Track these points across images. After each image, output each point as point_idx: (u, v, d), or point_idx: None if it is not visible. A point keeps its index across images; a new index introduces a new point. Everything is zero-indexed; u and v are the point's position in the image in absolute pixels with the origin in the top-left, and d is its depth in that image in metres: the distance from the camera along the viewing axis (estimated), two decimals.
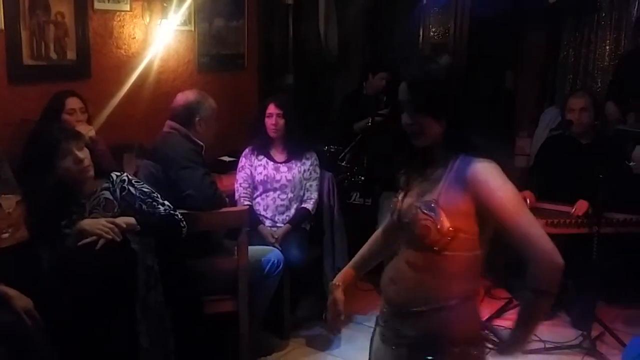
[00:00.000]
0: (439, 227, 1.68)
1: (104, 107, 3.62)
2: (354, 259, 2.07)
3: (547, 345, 3.51)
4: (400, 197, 1.84)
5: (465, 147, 1.73)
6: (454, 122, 1.72)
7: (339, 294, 1.99)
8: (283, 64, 5.02)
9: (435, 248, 1.70)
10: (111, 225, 2.46)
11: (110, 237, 2.44)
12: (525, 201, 3.84)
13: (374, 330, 1.94)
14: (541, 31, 5.30)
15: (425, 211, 1.70)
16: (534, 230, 1.64)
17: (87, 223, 2.46)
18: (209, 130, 3.15)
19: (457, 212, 1.69)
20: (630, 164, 3.79)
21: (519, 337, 1.70)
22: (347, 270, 2.05)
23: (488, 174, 1.68)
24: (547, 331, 3.67)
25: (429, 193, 1.74)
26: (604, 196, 3.38)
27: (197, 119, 3.10)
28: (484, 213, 1.69)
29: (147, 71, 3.88)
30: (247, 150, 3.74)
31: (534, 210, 3.78)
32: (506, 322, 3.77)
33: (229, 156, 4.14)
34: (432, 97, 1.70)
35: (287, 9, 4.96)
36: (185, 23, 4.12)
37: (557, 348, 3.48)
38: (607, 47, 4.94)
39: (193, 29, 4.21)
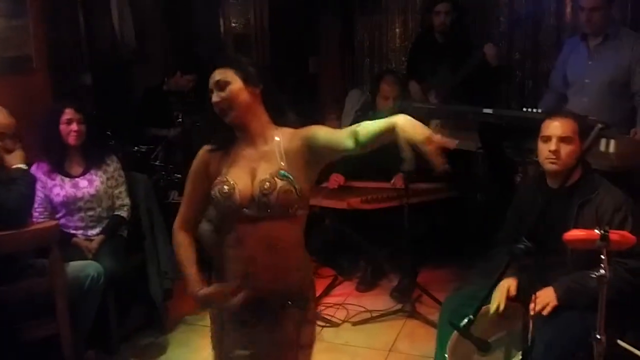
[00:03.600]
0: (297, 187, 1.83)
1: None
2: (193, 269, 1.96)
3: (372, 315, 3.73)
4: (229, 181, 1.87)
5: (285, 116, 1.93)
6: (267, 89, 1.90)
7: (208, 290, 1.91)
8: (77, 62, 4.70)
9: (294, 212, 1.85)
10: None
11: None
12: (336, 183, 4.06)
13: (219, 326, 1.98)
14: (336, 17, 5.52)
15: (281, 178, 1.82)
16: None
17: None
18: None
19: (300, 172, 1.85)
20: None
21: None
22: (196, 278, 1.95)
23: (315, 127, 1.87)
24: (371, 301, 3.91)
25: (269, 164, 1.86)
26: (409, 169, 3.64)
27: None
28: (317, 154, 1.85)
29: None
30: (34, 168, 3.23)
31: (348, 189, 3.98)
32: (334, 299, 3.94)
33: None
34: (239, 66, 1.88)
35: (76, 4, 4.63)
36: None
37: (382, 315, 3.71)
38: (397, 30, 5.25)
39: None
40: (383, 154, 3.86)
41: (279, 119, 1.92)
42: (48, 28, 4.26)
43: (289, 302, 1.91)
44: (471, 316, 2.17)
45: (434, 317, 3.46)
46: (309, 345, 1.98)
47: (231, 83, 1.85)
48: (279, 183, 1.82)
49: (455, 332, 2.32)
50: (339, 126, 5.23)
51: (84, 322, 3.05)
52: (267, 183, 1.82)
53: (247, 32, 5.24)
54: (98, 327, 3.21)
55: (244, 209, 1.86)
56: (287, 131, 1.91)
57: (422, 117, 1.76)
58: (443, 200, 4.11)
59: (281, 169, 1.83)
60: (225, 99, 1.84)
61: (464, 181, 4.17)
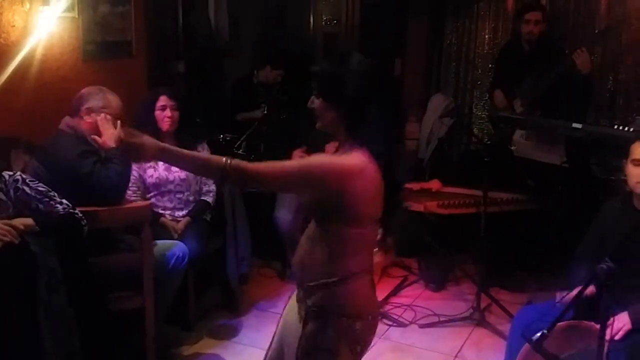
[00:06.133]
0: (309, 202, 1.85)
1: None
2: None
3: (440, 319, 3.74)
4: None
5: (360, 135, 1.85)
6: (351, 112, 1.84)
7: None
8: (173, 50, 4.91)
9: (320, 224, 1.84)
10: (8, 228, 2.34)
11: (7, 239, 2.32)
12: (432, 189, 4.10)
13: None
14: (425, 20, 5.51)
15: None
16: None
17: None
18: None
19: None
20: (512, 147, 4.08)
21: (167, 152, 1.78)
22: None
23: None
24: (439, 305, 3.91)
25: None
26: (489, 178, 3.62)
27: (84, 107, 3.00)
28: None
29: (28, 60, 3.66)
30: None
31: (438, 194, 4.04)
32: (402, 299, 3.98)
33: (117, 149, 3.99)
34: (329, 86, 1.85)
35: None
36: (68, 9, 3.92)
37: (450, 321, 3.72)
38: (486, 36, 5.21)
39: (77, 16, 4.01)
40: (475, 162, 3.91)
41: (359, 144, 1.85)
42: (148, 16, 4.49)
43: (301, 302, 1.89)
44: (545, 331, 2.17)
45: (503, 327, 3.46)
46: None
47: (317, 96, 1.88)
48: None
49: (526, 345, 2.33)
50: (419, 129, 5.27)
51: (166, 298, 3.21)
52: None
53: (337, 31, 5.31)
54: (177, 305, 3.37)
55: None
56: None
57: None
58: (523, 211, 4.06)
59: None
60: (313, 107, 1.89)
61: (545, 195, 4.11)
